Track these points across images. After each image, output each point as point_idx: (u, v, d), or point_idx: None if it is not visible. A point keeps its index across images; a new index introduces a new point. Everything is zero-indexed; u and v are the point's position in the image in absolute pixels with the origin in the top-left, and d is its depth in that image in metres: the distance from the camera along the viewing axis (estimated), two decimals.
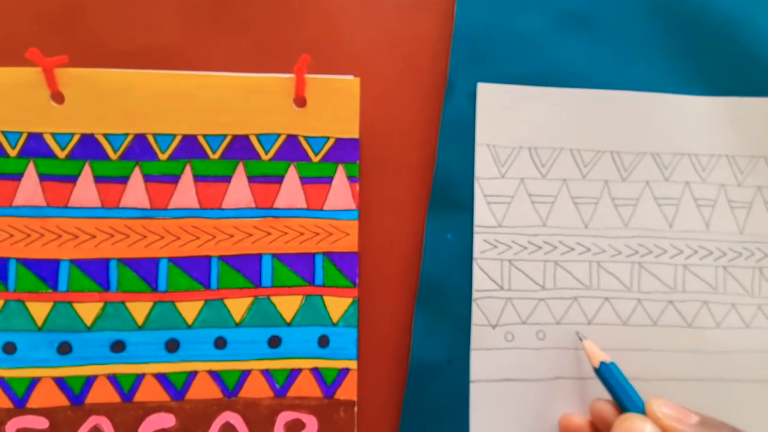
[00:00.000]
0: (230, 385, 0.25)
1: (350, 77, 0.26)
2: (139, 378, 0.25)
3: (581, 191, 0.28)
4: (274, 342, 0.25)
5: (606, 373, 0.25)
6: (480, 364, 0.27)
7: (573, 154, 0.28)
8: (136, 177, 0.25)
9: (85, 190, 0.25)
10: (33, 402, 0.24)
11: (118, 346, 0.25)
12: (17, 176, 0.24)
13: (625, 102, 0.28)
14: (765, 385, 0.26)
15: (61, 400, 0.24)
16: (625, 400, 0.24)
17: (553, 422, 0.27)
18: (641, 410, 0.23)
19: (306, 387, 0.25)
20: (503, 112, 0.28)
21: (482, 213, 0.27)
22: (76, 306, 0.24)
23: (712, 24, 0.29)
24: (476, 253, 0.27)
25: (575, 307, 0.27)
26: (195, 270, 0.25)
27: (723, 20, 0.29)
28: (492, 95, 0.27)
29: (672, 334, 0.28)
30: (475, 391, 0.26)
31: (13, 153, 0.24)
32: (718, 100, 0.29)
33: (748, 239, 0.28)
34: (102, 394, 0.24)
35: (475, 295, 0.27)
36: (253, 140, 0.26)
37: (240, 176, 0.25)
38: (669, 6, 0.29)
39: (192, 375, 0.25)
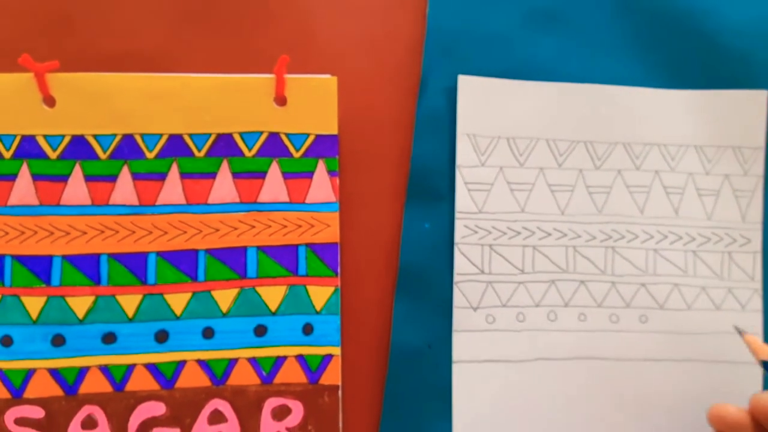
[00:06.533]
0: (218, 374, 0.26)
1: (328, 76, 0.27)
2: (130, 368, 0.25)
3: (557, 179, 0.29)
4: (260, 331, 0.26)
5: None
6: (462, 345, 0.27)
7: (549, 144, 0.29)
8: (125, 175, 0.26)
9: (76, 189, 0.26)
10: (29, 392, 0.25)
11: (109, 338, 0.25)
12: (12, 177, 0.25)
13: (598, 95, 0.29)
14: (736, 366, 0.27)
15: (55, 390, 0.25)
16: None
17: (534, 401, 0.28)
18: None
19: (291, 373, 0.26)
20: (483, 103, 0.29)
21: (463, 200, 0.28)
22: (69, 300, 0.25)
23: (676, 17, 0.30)
24: (457, 238, 0.28)
25: (553, 289, 0.28)
26: (183, 263, 0.26)
27: (687, 12, 0.30)
28: (472, 87, 0.28)
29: (645, 315, 0.29)
30: (457, 371, 0.27)
31: (7, 155, 0.26)
32: (686, 93, 0.30)
33: (716, 225, 0.29)
34: (95, 384, 0.25)
35: (456, 278, 0.28)
36: (237, 138, 0.27)
37: (225, 172, 0.27)
38: (634, 0, 0.30)
39: (181, 364, 0.26)
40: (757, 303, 0.29)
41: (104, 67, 0.26)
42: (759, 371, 0.28)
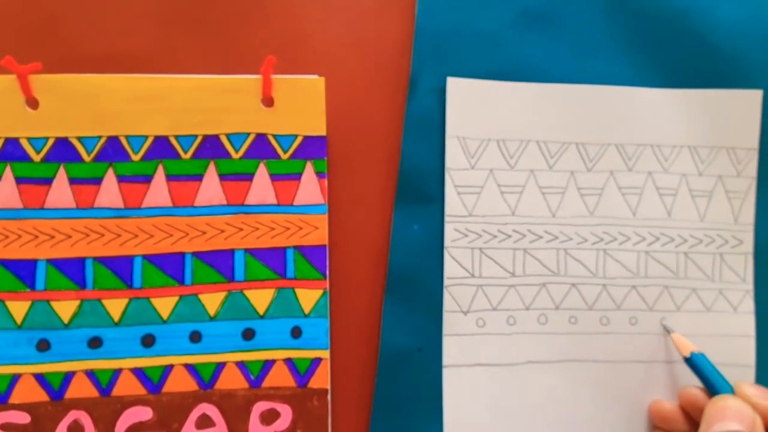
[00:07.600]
0: (206, 378, 0.26)
1: (315, 77, 0.26)
2: (117, 373, 0.25)
3: (548, 181, 0.29)
4: (248, 334, 0.26)
5: (697, 362, 0.26)
6: (452, 349, 0.27)
7: (540, 146, 0.29)
8: (110, 178, 0.26)
9: (61, 192, 0.25)
10: (14, 398, 0.25)
11: (95, 342, 0.25)
12: None
13: (589, 95, 0.29)
14: (729, 369, 0.26)
15: (41, 395, 0.25)
16: (716, 384, 0.25)
17: (525, 405, 0.28)
18: (731, 393, 0.25)
19: (280, 377, 0.26)
20: (472, 105, 0.28)
21: (453, 203, 0.28)
22: (54, 304, 0.25)
23: (668, 16, 0.30)
24: (447, 242, 0.28)
25: (544, 293, 0.28)
26: (169, 266, 0.26)
27: (679, 12, 0.30)
28: (461, 89, 0.28)
29: (634, 317, 0.28)
30: (447, 375, 0.27)
31: None
32: (679, 92, 0.29)
33: (708, 226, 0.29)
34: (81, 389, 0.25)
35: (446, 282, 0.28)
36: (224, 139, 0.26)
37: (211, 174, 0.26)
38: (625, 0, 0.30)
39: (168, 369, 0.26)
40: (749, 305, 0.29)
41: (90, 69, 0.26)
42: (748, 372, 0.29)
